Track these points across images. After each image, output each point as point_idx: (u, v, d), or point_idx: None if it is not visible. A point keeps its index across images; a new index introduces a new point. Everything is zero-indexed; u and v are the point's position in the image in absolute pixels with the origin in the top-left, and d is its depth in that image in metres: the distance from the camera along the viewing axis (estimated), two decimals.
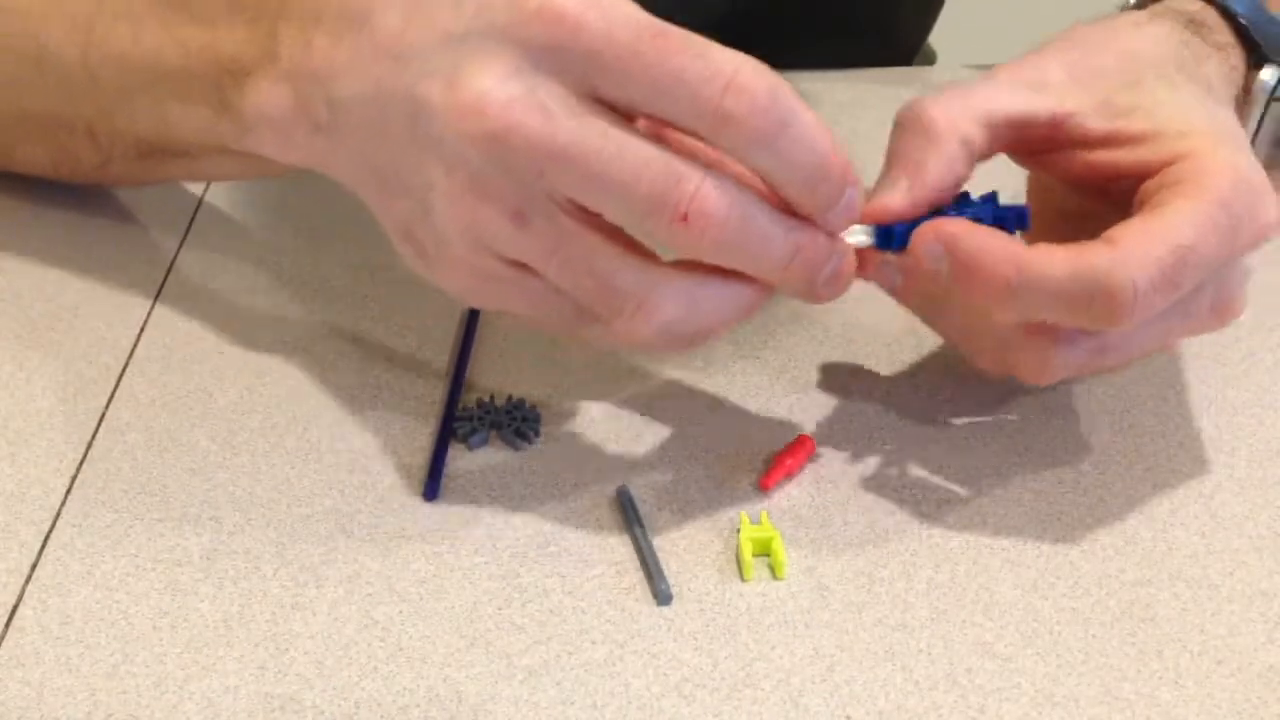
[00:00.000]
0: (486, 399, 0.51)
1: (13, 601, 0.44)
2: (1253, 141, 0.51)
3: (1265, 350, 0.56)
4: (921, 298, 0.49)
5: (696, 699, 0.41)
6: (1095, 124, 0.48)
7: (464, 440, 0.50)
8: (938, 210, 0.46)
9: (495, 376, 0.53)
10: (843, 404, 0.52)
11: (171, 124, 0.51)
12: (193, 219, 0.61)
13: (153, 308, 0.56)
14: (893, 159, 0.47)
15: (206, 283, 0.58)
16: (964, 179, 0.47)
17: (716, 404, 0.52)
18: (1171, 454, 0.50)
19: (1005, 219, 0.46)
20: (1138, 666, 0.43)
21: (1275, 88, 0.54)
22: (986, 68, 0.49)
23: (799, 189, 0.43)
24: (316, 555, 0.46)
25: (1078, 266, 0.43)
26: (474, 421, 0.50)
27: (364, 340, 0.55)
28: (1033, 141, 0.49)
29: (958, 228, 0.45)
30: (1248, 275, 0.47)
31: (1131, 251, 0.43)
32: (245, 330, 0.55)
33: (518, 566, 0.45)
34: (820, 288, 0.44)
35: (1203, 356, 0.55)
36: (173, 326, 0.55)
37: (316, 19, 0.45)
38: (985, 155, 0.48)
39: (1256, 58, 0.53)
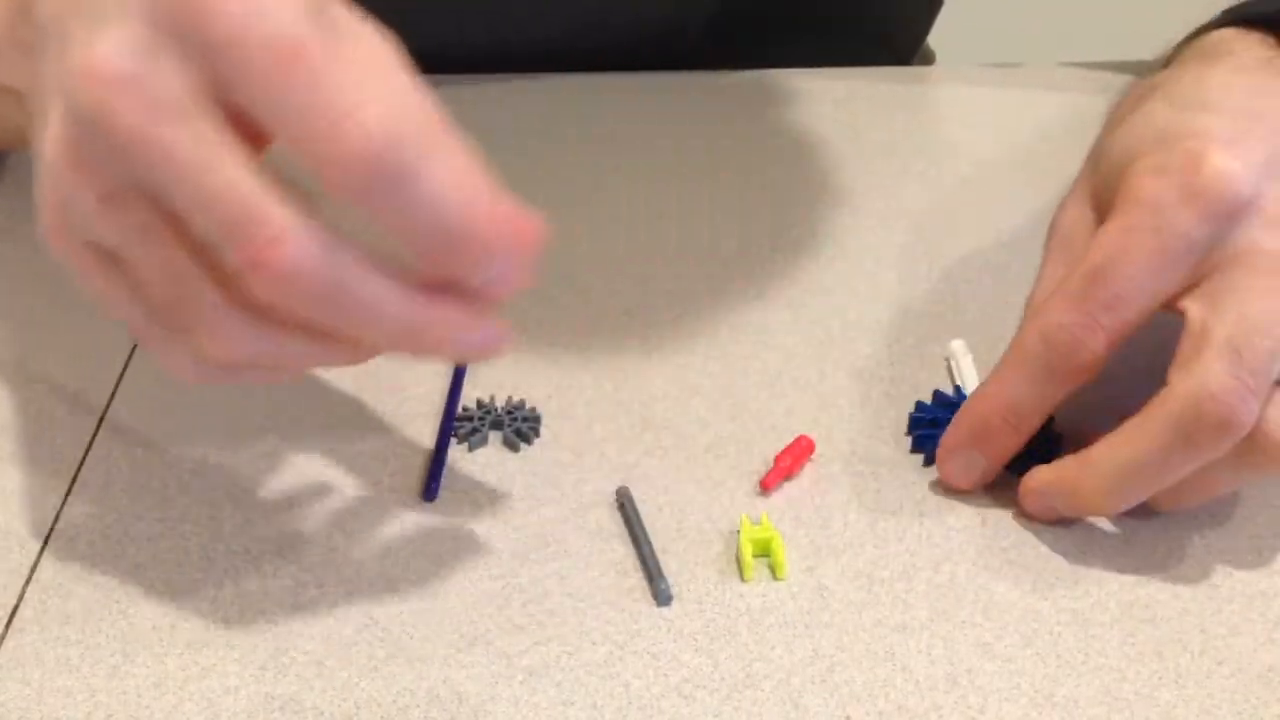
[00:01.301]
0: (486, 399, 0.51)
1: (13, 602, 0.44)
2: None
3: None
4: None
5: (696, 699, 0.41)
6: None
7: (464, 440, 0.50)
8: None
9: (495, 377, 0.53)
10: (843, 404, 0.52)
11: None
12: None
13: None
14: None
15: None
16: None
17: (716, 404, 0.52)
18: None
19: None
20: (1138, 667, 0.43)
21: None
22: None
23: (425, 258, 0.37)
24: (316, 555, 0.46)
25: (1166, 412, 0.43)
26: (474, 422, 0.50)
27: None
28: None
29: (1056, 474, 0.46)
30: None
31: (1200, 365, 0.43)
32: None
33: (518, 566, 0.45)
34: (453, 357, 0.40)
35: None
36: None
37: None
38: None
39: None
